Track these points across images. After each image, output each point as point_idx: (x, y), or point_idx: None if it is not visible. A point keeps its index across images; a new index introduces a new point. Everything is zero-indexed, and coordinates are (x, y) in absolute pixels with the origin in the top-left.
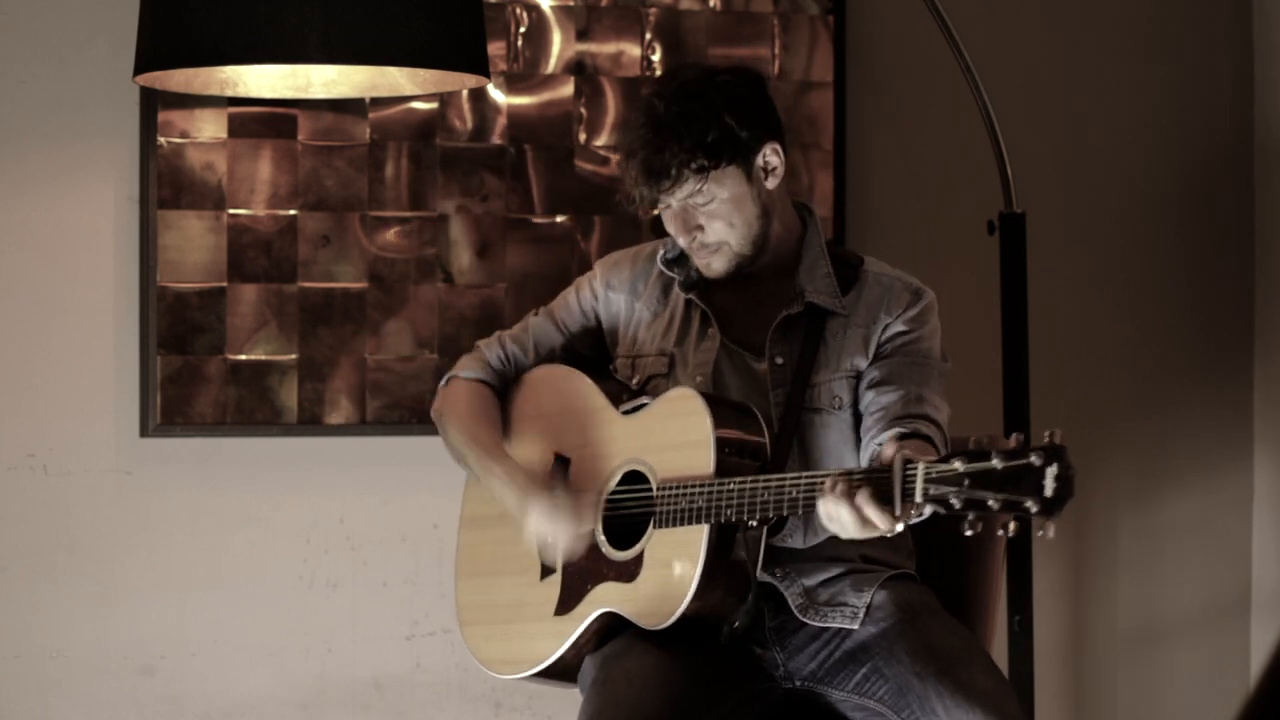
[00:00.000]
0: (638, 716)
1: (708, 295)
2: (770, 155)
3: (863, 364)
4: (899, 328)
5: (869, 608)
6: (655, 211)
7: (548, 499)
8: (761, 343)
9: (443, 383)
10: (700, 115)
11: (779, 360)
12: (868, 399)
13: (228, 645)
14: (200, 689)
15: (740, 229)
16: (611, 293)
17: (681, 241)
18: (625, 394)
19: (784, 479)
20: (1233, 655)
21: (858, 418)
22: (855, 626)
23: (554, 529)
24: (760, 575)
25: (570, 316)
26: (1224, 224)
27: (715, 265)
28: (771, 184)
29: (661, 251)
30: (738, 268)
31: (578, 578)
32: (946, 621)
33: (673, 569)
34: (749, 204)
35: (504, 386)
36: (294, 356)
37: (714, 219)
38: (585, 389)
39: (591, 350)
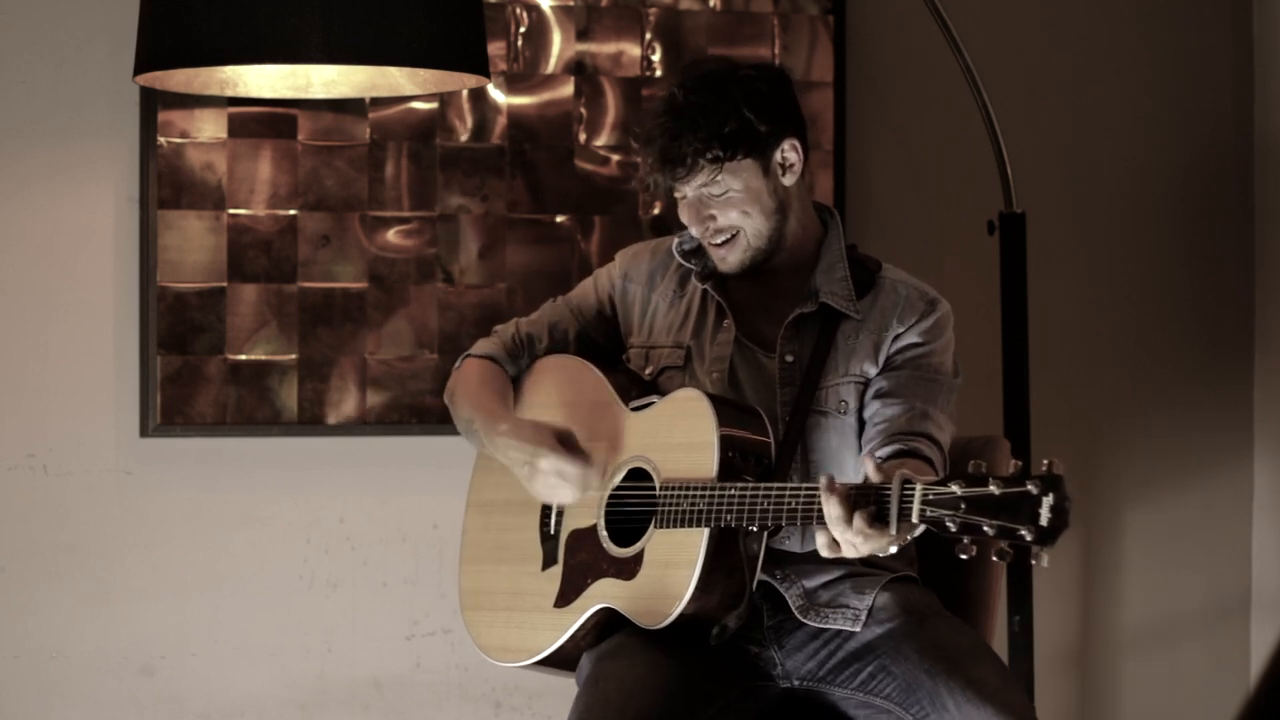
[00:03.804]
0: (626, 717)
1: (724, 287)
2: (789, 151)
3: (872, 370)
4: (912, 339)
5: (871, 610)
6: (676, 196)
7: (556, 456)
8: (774, 339)
9: (456, 364)
10: (718, 106)
11: (789, 358)
12: (873, 409)
13: (228, 645)
14: (200, 689)
15: (755, 220)
16: (629, 283)
17: (695, 231)
18: (635, 388)
19: (784, 489)
20: (1233, 655)
21: (862, 424)
22: (857, 629)
23: (558, 494)
24: (759, 574)
25: (587, 304)
26: (1224, 224)
27: (730, 259)
28: (789, 180)
29: (677, 241)
30: (752, 262)
31: (578, 571)
32: (953, 621)
33: (671, 570)
34: (765, 197)
35: (516, 368)
36: (294, 356)
37: (728, 208)
38: (595, 382)
39: (606, 339)
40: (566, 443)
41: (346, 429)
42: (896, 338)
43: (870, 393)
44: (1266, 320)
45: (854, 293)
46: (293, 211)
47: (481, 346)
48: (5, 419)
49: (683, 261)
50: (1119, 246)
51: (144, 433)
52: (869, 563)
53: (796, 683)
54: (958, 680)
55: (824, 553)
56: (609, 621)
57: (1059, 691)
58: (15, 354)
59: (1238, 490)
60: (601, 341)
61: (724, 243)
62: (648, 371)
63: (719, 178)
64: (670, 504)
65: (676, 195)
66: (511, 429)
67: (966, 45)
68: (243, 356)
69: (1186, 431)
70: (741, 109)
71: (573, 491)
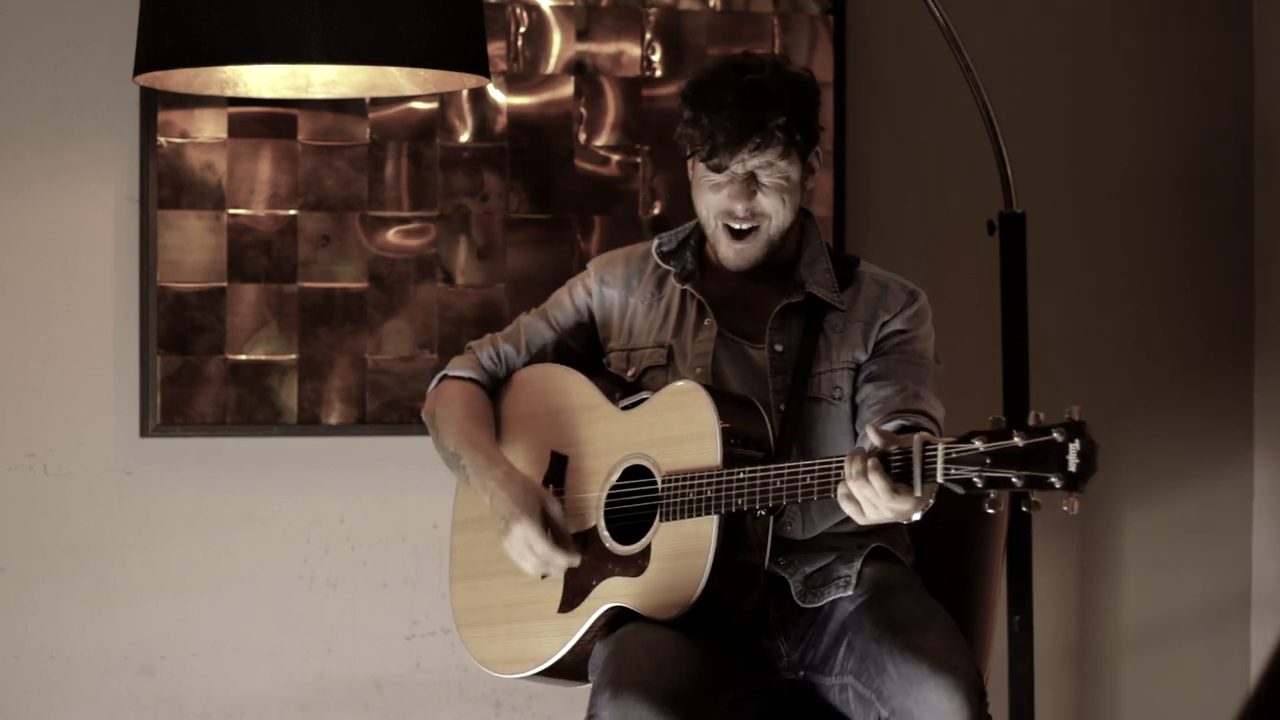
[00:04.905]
0: (659, 685)
1: (703, 286)
2: (814, 159)
3: (862, 357)
4: (897, 326)
5: (859, 576)
6: (717, 170)
7: (534, 529)
8: (759, 331)
9: (433, 384)
10: (802, 93)
11: (779, 348)
12: (865, 392)
13: (228, 645)
14: (200, 689)
15: (787, 212)
16: (605, 288)
17: (738, 209)
18: (619, 389)
19: (797, 466)
20: (1233, 655)
21: (855, 410)
22: (849, 592)
23: (523, 563)
24: (767, 565)
25: (563, 314)
26: (1224, 223)
27: (748, 251)
28: (809, 185)
29: (657, 243)
30: (764, 258)
31: (581, 575)
32: (916, 594)
33: (682, 561)
34: (797, 194)
35: (495, 386)
36: (294, 356)
37: (773, 193)
38: (579, 386)
39: (584, 347)
40: (550, 512)
41: (346, 429)
42: (884, 325)
43: (861, 377)
44: (1266, 320)
45: (837, 285)
46: (293, 211)
47: (459, 366)
48: (5, 419)
49: (660, 263)
50: (1119, 246)
51: (144, 433)
52: (864, 535)
53: (801, 674)
54: (899, 643)
55: (844, 506)
56: (618, 620)
57: (1059, 691)
58: (15, 354)
59: (1238, 490)
60: (580, 350)
61: (748, 232)
62: (630, 373)
63: (781, 162)
64: (675, 495)
65: (718, 170)
66: (504, 481)
67: (966, 45)
68: (243, 356)
69: (1186, 432)
70: (813, 103)
71: (534, 566)
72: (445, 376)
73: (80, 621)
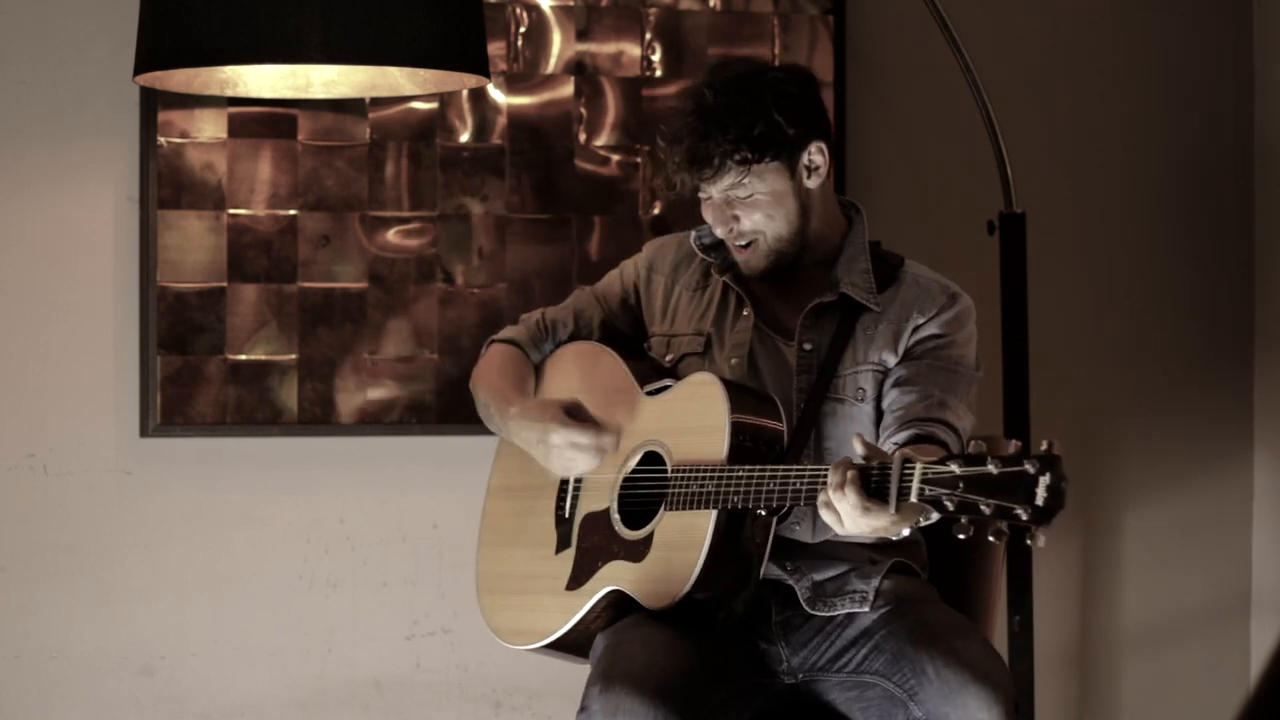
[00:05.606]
0: (650, 678)
1: (744, 278)
2: (815, 154)
3: (890, 359)
4: (932, 330)
5: (877, 592)
6: (701, 197)
7: (566, 426)
8: (793, 327)
9: (483, 350)
10: (748, 109)
11: (807, 346)
12: (891, 397)
13: (228, 645)
14: (200, 689)
15: (779, 222)
16: (654, 274)
17: (719, 232)
18: (654, 375)
19: (789, 470)
20: (1233, 655)
21: (880, 413)
22: (865, 609)
23: (575, 466)
24: (770, 570)
25: (612, 293)
26: (1224, 224)
27: (753, 263)
28: (814, 183)
29: (695, 234)
30: (775, 265)
31: (590, 554)
32: (945, 608)
33: (678, 553)
34: (789, 200)
35: (540, 354)
36: (294, 356)
37: (752, 211)
38: (614, 368)
39: (630, 328)
40: (575, 414)
41: (346, 429)
42: (917, 328)
43: (889, 382)
44: (1266, 320)
45: (875, 285)
46: (293, 211)
47: (507, 332)
48: (5, 419)
49: (702, 255)
50: (1119, 246)
51: (144, 433)
52: (878, 549)
53: (801, 677)
54: (939, 649)
55: (824, 516)
56: (619, 604)
57: (1059, 691)
58: (15, 354)
59: (1238, 490)
60: (626, 330)
61: (746, 246)
62: (668, 358)
63: (745, 180)
64: (680, 486)
65: (701, 195)
66: (521, 411)
67: (966, 45)
68: (243, 356)
69: (1186, 432)
70: (771, 112)
71: (589, 459)
72: (493, 341)
73: (80, 621)
